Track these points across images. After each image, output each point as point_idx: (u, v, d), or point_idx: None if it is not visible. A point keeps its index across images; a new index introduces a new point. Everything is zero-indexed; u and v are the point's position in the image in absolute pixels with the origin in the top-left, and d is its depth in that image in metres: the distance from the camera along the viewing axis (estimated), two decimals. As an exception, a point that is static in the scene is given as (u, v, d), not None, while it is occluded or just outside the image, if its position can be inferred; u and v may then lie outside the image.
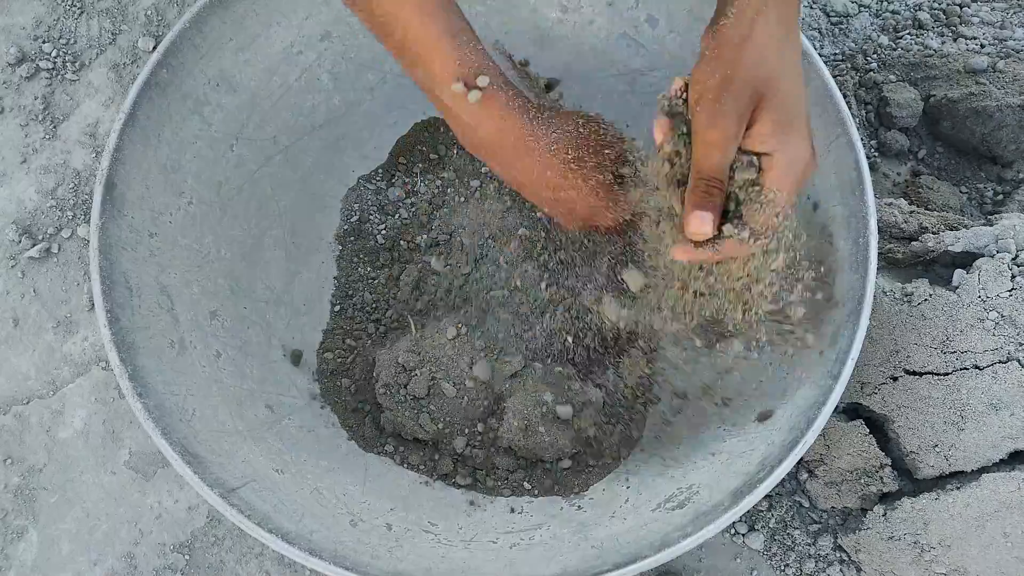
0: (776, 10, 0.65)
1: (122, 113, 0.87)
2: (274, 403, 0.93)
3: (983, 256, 0.98)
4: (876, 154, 1.25)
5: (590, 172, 0.79)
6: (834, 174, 0.91)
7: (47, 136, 1.24)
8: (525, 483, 0.93)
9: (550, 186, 0.79)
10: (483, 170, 1.09)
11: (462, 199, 1.09)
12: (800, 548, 1.05)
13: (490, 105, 0.74)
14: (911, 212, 1.09)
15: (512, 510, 0.89)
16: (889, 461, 1.00)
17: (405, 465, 0.94)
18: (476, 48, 0.74)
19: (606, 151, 0.80)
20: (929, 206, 1.17)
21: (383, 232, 1.08)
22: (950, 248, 1.00)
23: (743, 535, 1.06)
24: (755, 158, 0.67)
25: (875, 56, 1.30)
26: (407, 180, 1.11)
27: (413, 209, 1.09)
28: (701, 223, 0.66)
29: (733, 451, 0.85)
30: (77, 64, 1.28)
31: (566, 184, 0.79)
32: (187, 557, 1.07)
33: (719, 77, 0.66)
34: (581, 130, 0.79)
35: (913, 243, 1.05)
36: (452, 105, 0.74)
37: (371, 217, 1.09)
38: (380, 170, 1.12)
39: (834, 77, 1.04)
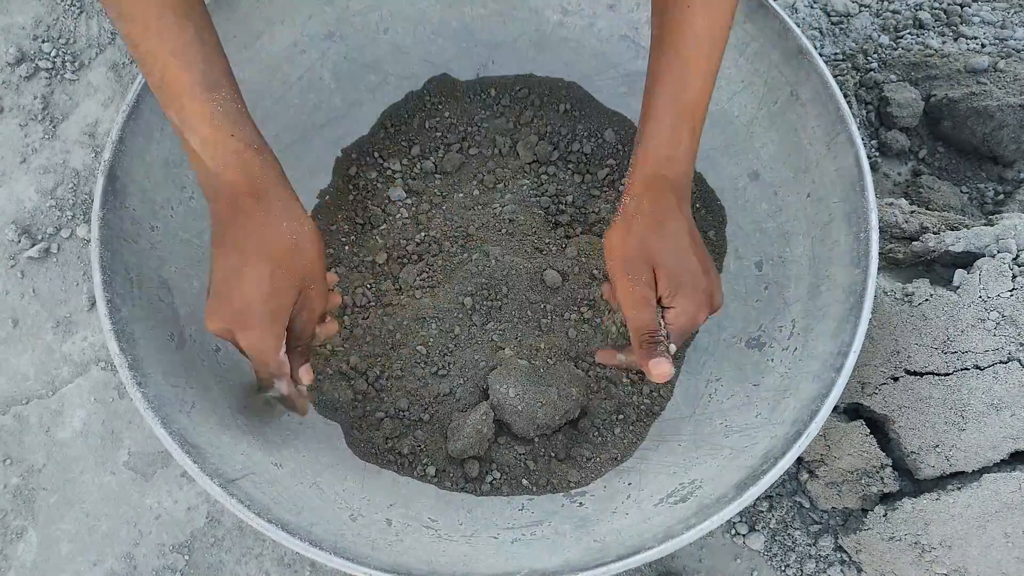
0: (652, 207, 0.79)
1: (125, 106, 0.87)
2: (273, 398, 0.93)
3: (984, 256, 0.98)
4: (877, 154, 1.25)
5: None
6: (834, 171, 0.92)
7: (46, 136, 1.24)
8: (524, 479, 0.93)
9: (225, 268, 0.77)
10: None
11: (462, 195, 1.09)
12: (801, 548, 1.05)
13: (240, 161, 0.74)
14: (912, 212, 1.09)
15: (512, 507, 0.89)
16: (890, 461, 1.00)
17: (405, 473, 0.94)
18: (230, 105, 0.74)
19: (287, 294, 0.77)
20: (930, 206, 1.17)
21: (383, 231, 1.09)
22: (951, 248, 1.00)
23: (744, 535, 1.06)
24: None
25: (876, 56, 1.31)
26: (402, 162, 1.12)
27: (413, 209, 1.10)
28: (664, 370, 0.76)
29: (736, 446, 0.85)
30: (76, 64, 1.28)
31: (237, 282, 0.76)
32: (187, 557, 1.06)
33: (618, 263, 0.80)
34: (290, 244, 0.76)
35: (914, 243, 1.05)
36: (199, 150, 0.74)
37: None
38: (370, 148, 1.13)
39: (834, 77, 1.05)
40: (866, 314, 0.81)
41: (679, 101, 0.80)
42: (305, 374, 0.80)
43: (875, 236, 0.85)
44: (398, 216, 1.09)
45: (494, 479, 0.93)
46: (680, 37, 0.78)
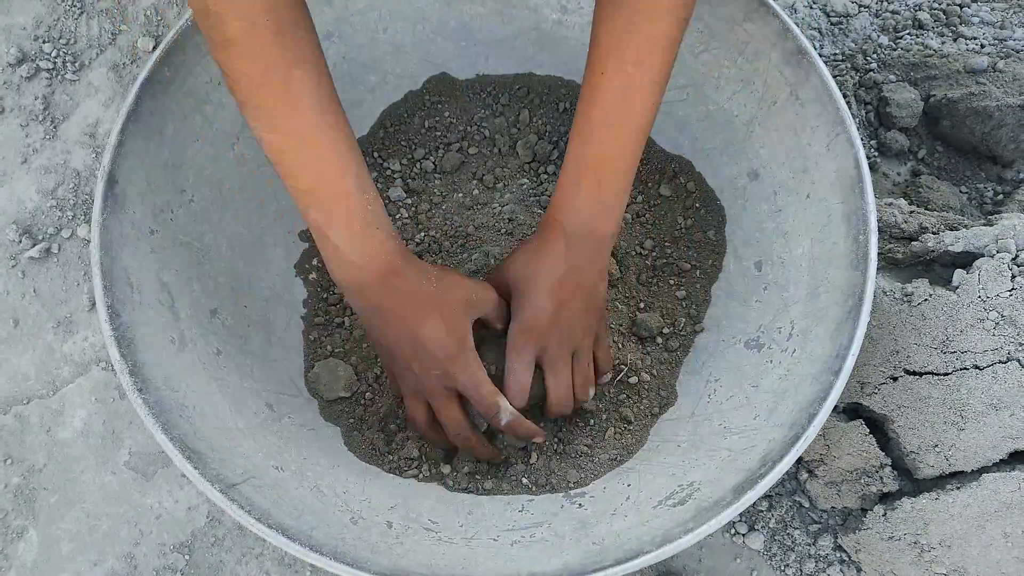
0: (536, 242, 0.88)
1: (124, 109, 0.87)
2: (274, 401, 0.93)
3: (983, 256, 0.98)
4: (876, 154, 1.25)
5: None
6: (834, 172, 0.92)
7: (47, 136, 1.24)
8: (523, 478, 0.93)
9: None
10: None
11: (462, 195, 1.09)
12: (800, 548, 1.06)
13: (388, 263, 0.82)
14: (911, 212, 1.09)
15: (512, 508, 0.89)
16: (889, 461, 1.00)
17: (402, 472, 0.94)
18: (376, 204, 0.81)
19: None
20: (929, 206, 1.17)
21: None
22: (950, 248, 1.00)
23: (743, 535, 1.06)
24: None
25: (875, 56, 1.31)
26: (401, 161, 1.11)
27: (413, 209, 1.10)
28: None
29: (734, 448, 0.85)
30: (77, 64, 1.28)
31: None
32: (187, 557, 1.07)
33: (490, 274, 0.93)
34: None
35: (913, 243, 1.05)
36: (345, 246, 0.80)
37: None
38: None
39: (834, 77, 1.05)
40: (864, 317, 0.81)
41: (582, 156, 0.84)
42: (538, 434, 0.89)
43: (874, 238, 0.85)
44: (398, 216, 1.09)
45: (495, 477, 0.94)
46: (593, 95, 0.82)
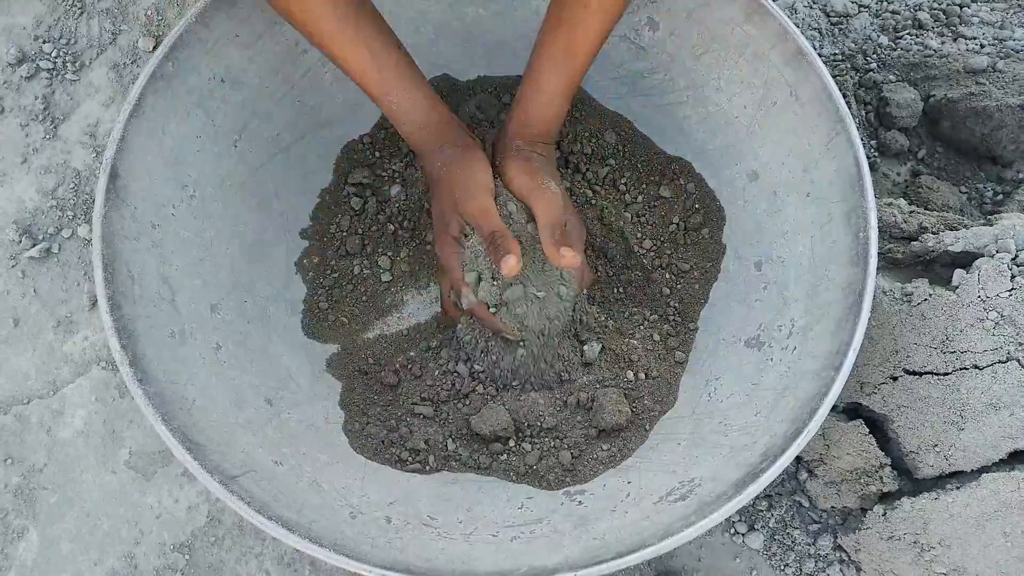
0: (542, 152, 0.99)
1: (127, 104, 0.88)
2: (273, 397, 0.93)
3: (983, 256, 0.98)
4: (876, 154, 1.26)
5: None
6: (834, 171, 0.92)
7: (47, 136, 1.24)
8: (521, 469, 0.93)
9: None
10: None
11: None
12: (800, 548, 1.06)
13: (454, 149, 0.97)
14: (911, 212, 1.09)
15: (512, 505, 0.89)
16: (889, 461, 1.00)
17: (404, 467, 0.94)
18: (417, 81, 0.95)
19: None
20: (929, 206, 1.17)
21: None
22: (950, 248, 1.00)
23: (743, 535, 1.06)
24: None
25: (875, 56, 1.31)
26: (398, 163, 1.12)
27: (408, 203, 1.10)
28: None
29: (735, 444, 0.85)
30: (77, 64, 1.28)
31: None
32: (187, 557, 1.06)
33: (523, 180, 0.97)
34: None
35: (913, 243, 1.05)
36: (403, 115, 0.96)
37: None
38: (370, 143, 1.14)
39: (834, 77, 1.05)
40: (865, 313, 0.81)
41: (567, 83, 0.95)
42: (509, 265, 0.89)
43: (874, 236, 0.86)
44: (398, 215, 1.09)
45: (492, 458, 0.94)
46: (572, 30, 0.91)
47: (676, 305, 1.05)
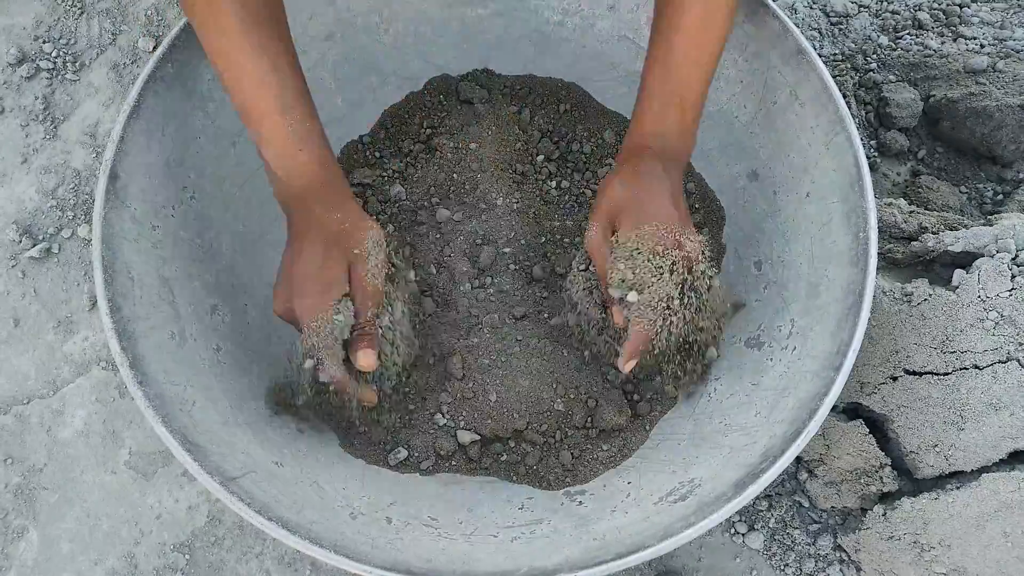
0: (634, 167, 0.88)
1: (127, 105, 0.88)
2: (274, 398, 0.93)
3: (983, 256, 0.98)
4: (876, 154, 1.26)
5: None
6: (833, 171, 0.92)
7: (47, 136, 1.24)
8: (520, 468, 0.93)
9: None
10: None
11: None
12: (800, 548, 1.06)
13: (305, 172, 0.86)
14: (911, 212, 1.09)
15: (512, 506, 0.89)
16: (889, 461, 1.00)
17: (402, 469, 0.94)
18: (300, 125, 0.85)
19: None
20: (929, 206, 1.17)
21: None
22: (950, 248, 1.01)
23: (743, 535, 1.06)
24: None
25: (875, 56, 1.31)
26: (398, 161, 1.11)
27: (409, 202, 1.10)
28: (617, 319, 0.87)
29: (735, 445, 0.85)
30: (77, 64, 1.28)
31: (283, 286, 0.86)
32: (187, 557, 1.07)
33: (591, 213, 0.90)
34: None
35: (913, 243, 1.05)
36: (273, 163, 0.85)
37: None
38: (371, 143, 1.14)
39: (834, 77, 1.05)
40: (865, 313, 0.81)
41: (667, 84, 0.89)
42: (363, 357, 0.83)
43: (874, 236, 0.85)
44: (400, 215, 1.09)
45: (492, 458, 0.94)
46: (674, 27, 0.87)
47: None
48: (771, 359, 0.92)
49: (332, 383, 0.83)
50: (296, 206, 0.86)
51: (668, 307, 0.85)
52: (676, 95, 0.89)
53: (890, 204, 1.10)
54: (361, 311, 0.83)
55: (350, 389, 0.84)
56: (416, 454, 0.94)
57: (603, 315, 0.93)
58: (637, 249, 0.84)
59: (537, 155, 1.11)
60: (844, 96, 1.12)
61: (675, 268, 0.84)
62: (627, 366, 0.87)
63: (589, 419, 0.96)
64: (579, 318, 0.96)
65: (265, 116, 0.83)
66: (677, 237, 0.84)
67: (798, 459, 1.06)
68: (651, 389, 1.00)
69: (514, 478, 0.93)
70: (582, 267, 0.94)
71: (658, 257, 0.84)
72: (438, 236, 1.06)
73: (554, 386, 0.96)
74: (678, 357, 0.93)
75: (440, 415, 0.96)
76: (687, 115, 0.90)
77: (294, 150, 0.85)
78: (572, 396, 0.96)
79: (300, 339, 0.83)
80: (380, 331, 0.87)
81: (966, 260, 1.01)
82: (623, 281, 0.85)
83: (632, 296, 0.85)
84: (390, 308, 0.88)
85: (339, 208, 0.85)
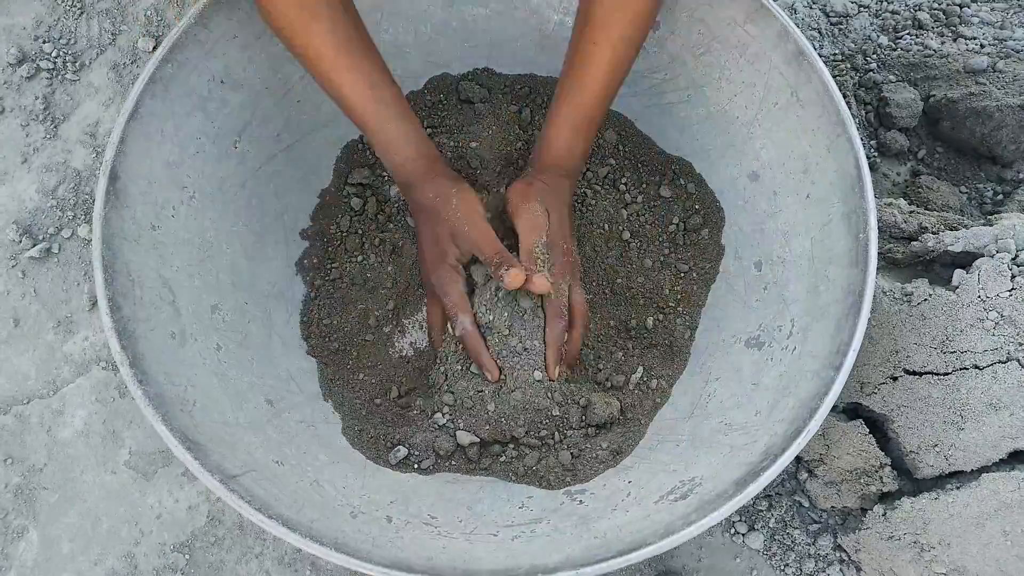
0: (550, 180, 0.98)
1: (126, 106, 0.88)
2: (274, 397, 0.93)
3: (983, 256, 0.98)
4: (876, 154, 1.26)
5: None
6: (833, 171, 0.92)
7: (47, 136, 1.24)
8: (520, 468, 0.93)
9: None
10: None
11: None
12: (800, 548, 1.06)
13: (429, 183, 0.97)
14: (911, 212, 1.09)
15: (512, 505, 0.89)
16: (889, 461, 1.00)
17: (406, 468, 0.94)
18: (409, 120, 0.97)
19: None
20: (929, 206, 1.17)
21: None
22: (950, 248, 1.01)
23: (743, 535, 1.06)
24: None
25: (875, 56, 1.31)
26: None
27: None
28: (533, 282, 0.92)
29: (736, 444, 0.85)
30: (77, 64, 1.28)
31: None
32: (187, 557, 1.07)
33: (521, 203, 0.97)
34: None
35: (913, 243, 1.05)
36: (386, 165, 0.98)
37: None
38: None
39: (834, 77, 1.05)
40: (865, 313, 0.82)
41: (578, 116, 0.97)
42: (532, 279, 0.90)
43: (874, 236, 0.86)
44: (398, 215, 1.09)
45: (492, 459, 0.94)
46: (583, 68, 0.94)
47: (675, 306, 1.05)
48: (771, 359, 0.92)
49: (464, 335, 0.94)
50: (409, 196, 0.98)
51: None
52: (586, 121, 0.97)
53: (890, 204, 1.10)
54: (481, 253, 0.93)
55: (480, 346, 0.94)
56: (416, 453, 0.94)
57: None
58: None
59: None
60: (844, 96, 1.12)
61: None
62: (554, 371, 0.95)
63: (583, 418, 0.96)
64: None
65: (374, 126, 0.94)
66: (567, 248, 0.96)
67: (798, 459, 1.06)
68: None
69: (513, 478, 0.93)
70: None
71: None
72: None
73: (550, 394, 0.96)
74: None
75: (440, 415, 0.96)
76: (589, 139, 0.99)
77: (399, 156, 0.96)
78: (568, 401, 0.96)
79: (447, 310, 0.95)
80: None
81: (966, 260, 1.01)
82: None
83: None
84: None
85: (432, 186, 0.96)
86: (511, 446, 0.95)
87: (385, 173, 1.11)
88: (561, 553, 0.75)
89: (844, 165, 0.91)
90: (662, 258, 1.07)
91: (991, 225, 1.03)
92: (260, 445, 0.85)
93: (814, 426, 0.76)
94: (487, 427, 0.94)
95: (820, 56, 1.15)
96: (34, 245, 1.19)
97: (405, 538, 0.79)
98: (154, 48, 1.26)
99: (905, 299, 0.99)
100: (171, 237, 0.91)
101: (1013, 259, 0.97)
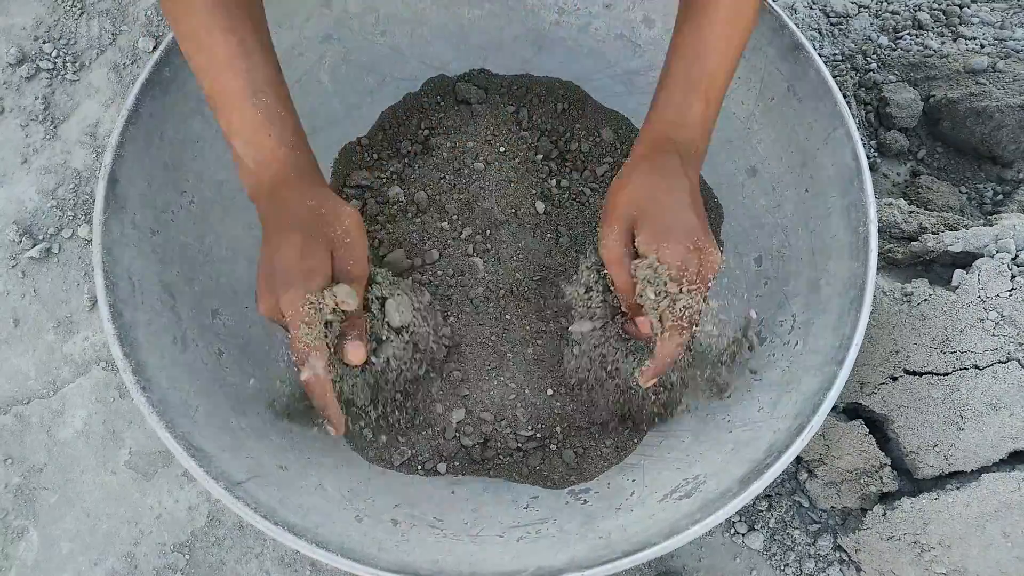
0: (652, 164, 0.81)
1: (125, 110, 0.87)
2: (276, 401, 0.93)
3: (983, 256, 0.98)
4: (876, 154, 1.26)
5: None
6: (832, 166, 0.92)
7: (47, 136, 1.24)
8: (524, 468, 0.93)
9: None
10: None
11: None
12: (800, 548, 1.06)
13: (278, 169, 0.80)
14: (911, 212, 1.09)
15: (517, 505, 0.89)
16: (889, 461, 1.00)
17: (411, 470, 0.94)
18: (271, 110, 0.80)
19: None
20: (929, 206, 1.17)
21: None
22: (950, 248, 1.00)
23: (743, 535, 1.06)
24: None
25: (875, 56, 1.31)
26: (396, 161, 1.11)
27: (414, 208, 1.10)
28: (644, 330, 0.82)
29: (739, 441, 0.85)
30: (77, 64, 1.28)
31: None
32: (187, 557, 1.07)
33: (607, 215, 0.82)
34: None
35: (913, 243, 1.05)
36: (241, 152, 0.80)
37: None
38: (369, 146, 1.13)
39: (834, 77, 1.05)
40: (867, 307, 0.81)
41: (692, 71, 0.83)
42: (353, 351, 0.77)
43: (874, 228, 0.86)
44: (398, 217, 1.09)
45: (495, 459, 0.94)
46: (703, 14, 0.82)
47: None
48: (773, 354, 0.92)
49: (310, 382, 0.76)
50: (269, 197, 0.79)
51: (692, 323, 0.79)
52: (701, 84, 0.83)
53: (890, 204, 1.10)
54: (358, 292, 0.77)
55: (328, 397, 0.77)
56: (420, 455, 0.94)
57: (612, 323, 0.91)
58: (657, 273, 0.77)
59: (536, 154, 1.11)
60: (844, 96, 1.12)
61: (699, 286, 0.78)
62: (650, 382, 0.83)
63: (587, 416, 0.96)
64: (583, 324, 0.93)
65: (235, 101, 0.78)
66: (700, 253, 0.77)
67: (798, 459, 1.06)
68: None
69: (517, 478, 0.93)
70: (592, 274, 0.89)
71: (683, 277, 0.77)
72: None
73: (551, 392, 0.96)
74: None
75: (441, 417, 0.96)
76: (710, 108, 0.84)
77: (262, 136, 0.79)
78: (570, 399, 0.96)
79: (290, 339, 0.75)
80: (386, 335, 0.85)
81: (966, 260, 1.00)
82: (653, 300, 0.78)
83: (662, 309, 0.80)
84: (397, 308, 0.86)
85: (313, 195, 0.79)
86: (514, 445, 0.95)
87: (383, 174, 1.10)
88: (567, 554, 0.76)
89: (842, 157, 0.91)
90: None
91: (991, 225, 1.03)
92: (264, 450, 0.84)
93: (817, 422, 0.76)
94: (491, 427, 0.94)
95: (820, 56, 1.15)
96: (34, 245, 1.19)
97: (411, 541, 0.79)
98: (154, 48, 1.26)
99: (905, 299, 0.99)
100: (171, 241, 0.91)
101: (1013, 259, 0.97)
